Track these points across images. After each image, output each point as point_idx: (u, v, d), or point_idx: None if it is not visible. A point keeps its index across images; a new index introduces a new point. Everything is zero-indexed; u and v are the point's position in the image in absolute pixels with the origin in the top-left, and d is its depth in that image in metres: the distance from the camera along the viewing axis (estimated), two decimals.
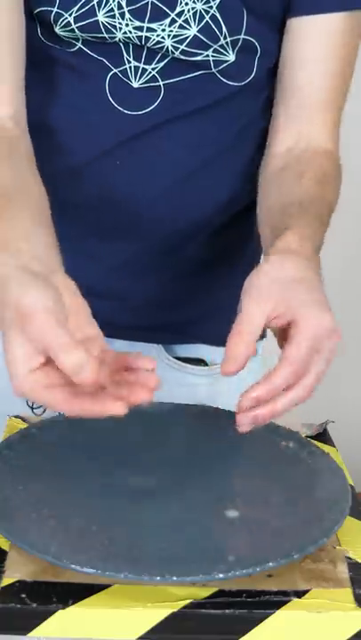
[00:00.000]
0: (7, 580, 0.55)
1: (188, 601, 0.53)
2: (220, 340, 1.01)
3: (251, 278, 0.68)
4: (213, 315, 1.01)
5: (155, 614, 0.53)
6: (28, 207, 0.71)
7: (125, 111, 0.85)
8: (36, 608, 0.53)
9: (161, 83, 0.84)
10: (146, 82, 0.84)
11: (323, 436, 0.79)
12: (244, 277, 1.07)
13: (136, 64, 0.83)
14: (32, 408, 0.97)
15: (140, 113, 0.85)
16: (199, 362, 1.00)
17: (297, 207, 0.78)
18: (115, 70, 0.84)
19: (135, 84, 0.84)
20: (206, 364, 1.00)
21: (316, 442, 0.74)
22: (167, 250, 0.93)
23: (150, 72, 0.83)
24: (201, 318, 1.00)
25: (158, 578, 0.53)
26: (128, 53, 0.83)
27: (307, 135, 0.88)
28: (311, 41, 0.85)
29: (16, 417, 0.80)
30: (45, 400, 0.58)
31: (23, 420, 0.79)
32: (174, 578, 0.53)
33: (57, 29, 0.82)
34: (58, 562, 0.54)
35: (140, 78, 0.84)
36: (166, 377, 0.96)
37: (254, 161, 0.93)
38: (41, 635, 0.53)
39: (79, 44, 0.83)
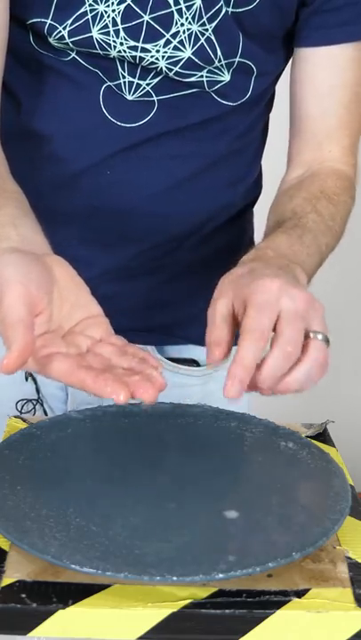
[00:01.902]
0: (7, 580, 0.55)
1: (188, 601, 0.53)
2: None
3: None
4: (203, 316, 1.01)
5: (155, 614, 0.53)
6: (9, 199, 0.72)
7: (118, 123, 0.85)
8: (36, 608, 0.53)
9: (155, 98, 0.84)
10: (140, 96, 0.84)
11: (323, 436, 0.79)
12: None
13: (130, 79, 0.83)
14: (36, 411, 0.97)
15: (132, 125, 0.85)
16: (191, 362, 1.00)
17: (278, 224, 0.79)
18: (109, 83, 0.84)
19: (129, 97, 0.84)
20: (198, 365, 1.00)
21: (316, 442, 0.74)
22: (158, 255, 0.93)
23: (145, 87, 0.83)
24: (191, 319, 1.00)
25: (158, 578, 0.53)
26: (123, 69, 0.83)
27: (319, 162, 0.88)
28: (322, 71, 0.85)
29: (16, 417, 0.80)
30: (47, 368, 0.58)
31: (23, 420, 0.79)
32: (174, 578, 0.53)
33: (50, 40, 0.81)
34: (58, 562, 0.54)
35: (134, 92, 0.83)
36: None
37: (246, 169, 0.93)
38: (41, 635, 0.53)
39: (73, 54, 0.83)
